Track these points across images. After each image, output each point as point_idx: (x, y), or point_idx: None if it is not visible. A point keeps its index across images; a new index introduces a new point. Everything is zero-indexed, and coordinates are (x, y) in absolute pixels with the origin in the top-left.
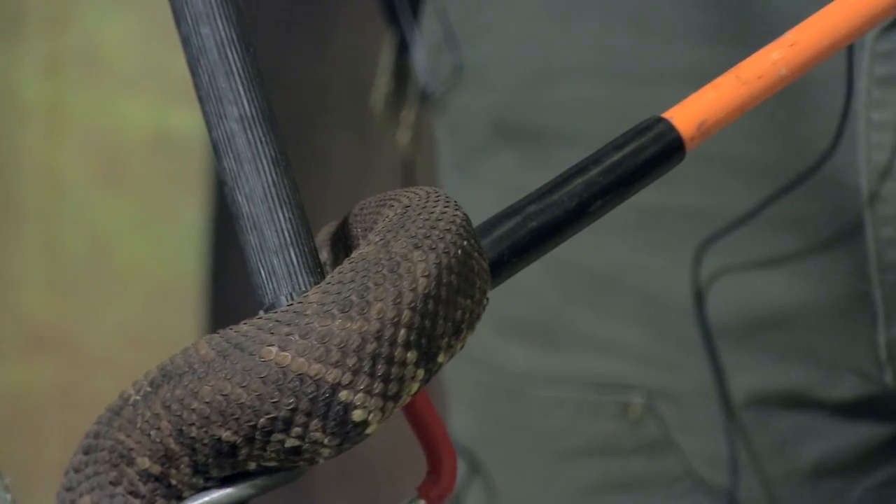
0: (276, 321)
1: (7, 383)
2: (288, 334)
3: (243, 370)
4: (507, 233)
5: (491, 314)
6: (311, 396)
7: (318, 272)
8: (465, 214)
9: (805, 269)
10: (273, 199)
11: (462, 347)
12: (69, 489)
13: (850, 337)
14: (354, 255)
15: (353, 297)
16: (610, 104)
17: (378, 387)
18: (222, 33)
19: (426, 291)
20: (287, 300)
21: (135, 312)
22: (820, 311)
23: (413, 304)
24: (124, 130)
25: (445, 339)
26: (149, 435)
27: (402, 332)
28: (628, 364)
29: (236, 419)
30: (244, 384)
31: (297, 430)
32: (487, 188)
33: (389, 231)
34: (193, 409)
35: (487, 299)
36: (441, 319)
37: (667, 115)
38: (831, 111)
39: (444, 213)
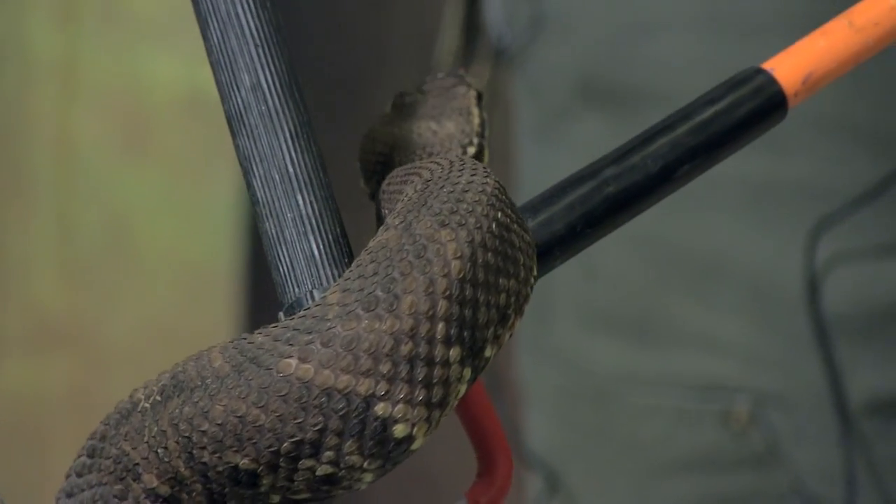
0: (294, 329)
1: (14, 383)
2: (308, 343)
3: (260, 387)
4: (580, 199)
5: (574, 305)
6: (341, 413)
7: (344, 263)
8: (496, 181)
9: None
10: (292, 181)
11: (511, 336)
12: (70, 495)
13: None
14: (372, 243)
15: (379, 292)
16: (713, 59)
17: (420, 394)
18: None
19: (461, 275)
20: (308, 299)
21: (160, 302)
22: None
23: (448, 293)
24: (149, 90)
25: (491, 329)
26: (156, 452)
27: (440, 326)
28: (732, 363)
29: (254, 444)
30: (261, 404)
31: (328, 454)
32: (572, 157)
33: (410, 211)
34: (204, 431)
35: (535, 277)
36: (483, 307)
37: (767, 65)
38: None
39: (472, 182)
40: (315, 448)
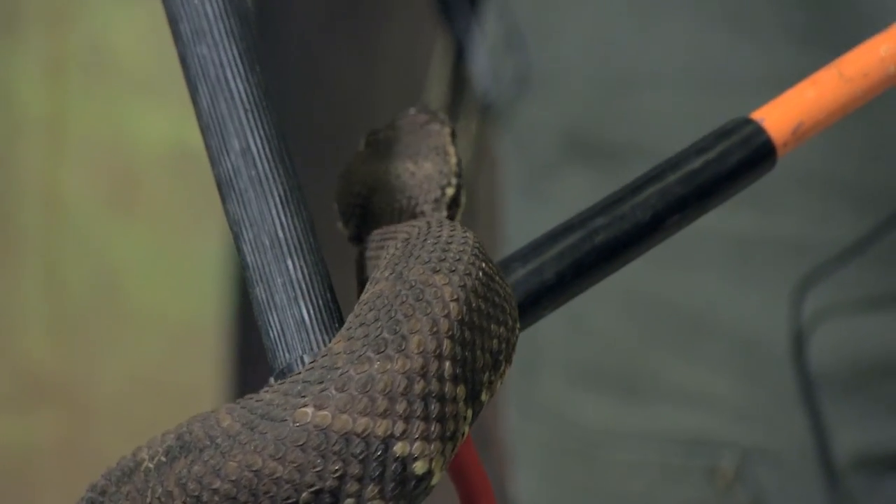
0: (304, 381)
1: (2, 436)
2: (322, 391)
3: (276, 439)
4: (569, 248)
5: (560, 361)
6: (361, 457)
7: (334, 328)
8: (475, 236)
9: None
10: (281, 247)
11: (501, 384)
12: None
13: None
14: (365, 296)
15: (386, 335)
16: (699, 114)
17: (435, 429)
18: (223, 53)
19: (460, 317)
20: (299, 364)
21: (148, 357)
22: None
23: (451, 332)
24: (137, 146)
25: (486, 374)
26: None
27: (447, 364)
28: (718, 419)
29: (271, 497)
30: (279, 455)
31: (349, 500)
32: (560, 213)
33: (398, 263)
34: (216, 490)
35: (519, 329)
36: (479, 350)
37: (756, 115)
38: None
39: (453, 236)
40: (335, 496)
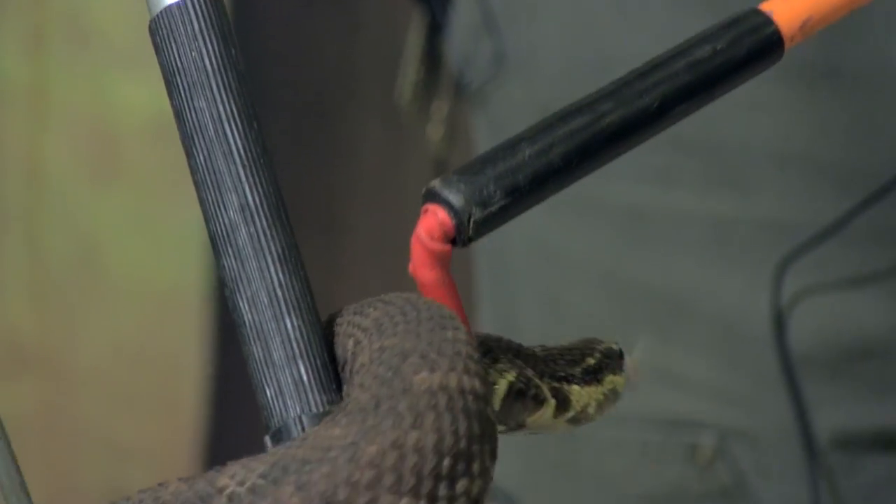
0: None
1: None
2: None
3: None
4: (576, 131)
5: (539, 342)
6: None
7: (332, 389)
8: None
9: None
10: (280, 305)
11: None
12: None
13: None
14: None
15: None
16: None
17: None
18: (220, 107)
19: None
20: (296, 424)
21: (130, 325)
22: None
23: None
24: (119, 115)
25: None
26: None
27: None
28: (698, 399)
29: None
30: None
31: None
32: None
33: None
34: None
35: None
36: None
37: (765, 7)
38: None
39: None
40: None
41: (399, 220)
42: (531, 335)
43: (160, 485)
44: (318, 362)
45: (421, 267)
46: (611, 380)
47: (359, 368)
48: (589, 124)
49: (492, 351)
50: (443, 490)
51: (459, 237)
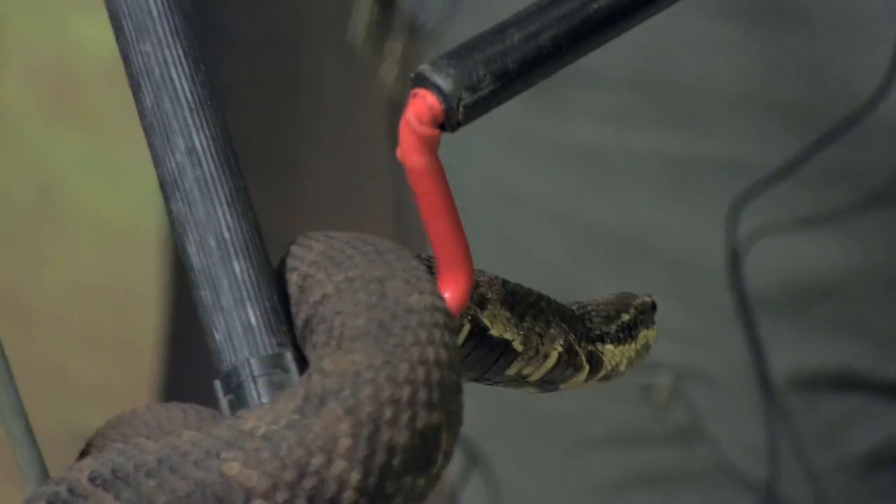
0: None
1: None
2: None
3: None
4: (566, 15)
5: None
6: None
7: (281, 331)
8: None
9: (858, 228)
10: (228, 248)
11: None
12: None
13: None
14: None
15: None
16: (633, 34)
17: None
18: (167, 51)
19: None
20: (245, 367)
21: (89, 265)
22: (875, 278)
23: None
24: (77, 54)
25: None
26: None
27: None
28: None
29: None
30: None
31: None
32: (491, 138)
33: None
34: None
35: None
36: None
37: None
38: (886, 44)
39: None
40: None
41: (355, 160)
42: None
43: (166, 435)
44: (268, 304)
45: (409, 152)
46: (644, 335)
47: (321, 300)
48: (578, 8)
49: (543, 313)
50: (456, 402)
51: (449, 122)
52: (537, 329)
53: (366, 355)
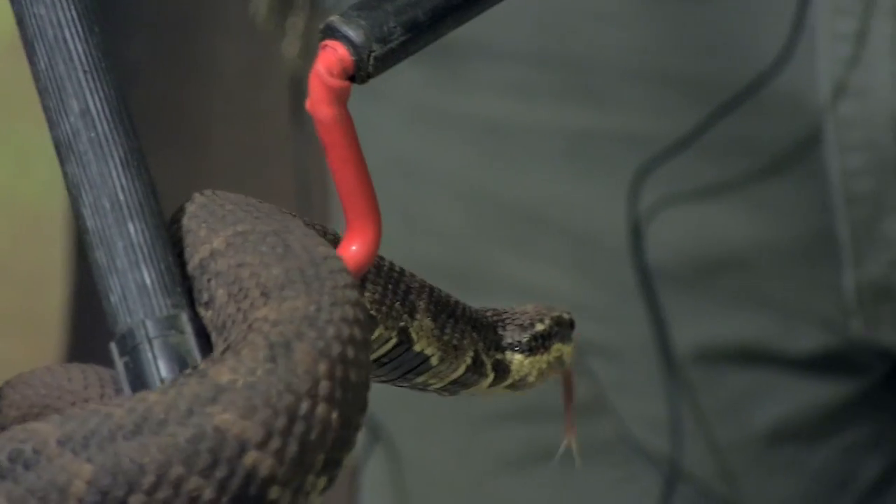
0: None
1: None
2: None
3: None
4: None
5: (394, 258)
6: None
7: (176, 292)
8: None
9: (759, 200)
10: (122, 209)
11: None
12: None
13: (811, 281)
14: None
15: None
16: (534, 7)
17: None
18: (60, 13)
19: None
20: (140, 329)
21: None
22: (776, 250)
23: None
24: None
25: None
26: None
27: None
28: None
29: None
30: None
31: None
32: (393, 110)
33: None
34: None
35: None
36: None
37: None
38: (784, 16)
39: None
40: None
41: (258, 135)
42: (385, 250)
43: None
44: (162, 266)
45: (319, 104)
46: (558, 348)
47: (210, 255)
48: None
49: (459, 322)
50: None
51: (359, 73)
52: (454, 342)
53: (306, 300)
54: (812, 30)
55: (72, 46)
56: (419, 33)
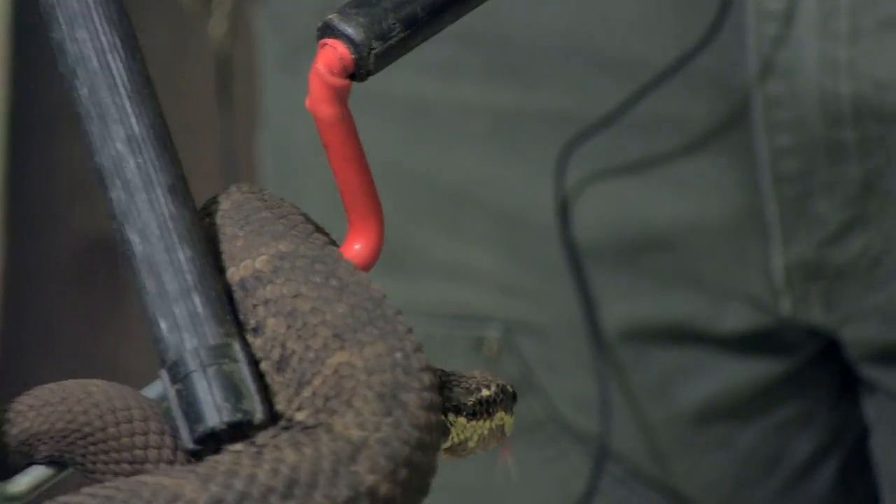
0: None
1: None
2: None
3: None
4: None
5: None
6: None
7: (228, 321)
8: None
9: (685, 178)
10: (172, 236)
11: None
12: None
13: (740, 260)
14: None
15: None
16: None
17: None
18: (103, 38)
19: None
20: (193, 358)
21: None
22: (705, 229)
23: None
24: None
25: None
26: None
27: None
28: (483, 293)
29: None
30: None
31: None
32: None
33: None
34: None
35: None
36: None
37: None
38: None
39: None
40: None
41: (183, 115)
42: None
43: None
44: (213, 293)
45: (320, 103)
46: (501, 416)
47: (255, 275)
48: None
49: None
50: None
51: (359, 71)
52: None
53: (385, 346)
54: (740, 8)
55: (115, 72)
56: (418, 29)
